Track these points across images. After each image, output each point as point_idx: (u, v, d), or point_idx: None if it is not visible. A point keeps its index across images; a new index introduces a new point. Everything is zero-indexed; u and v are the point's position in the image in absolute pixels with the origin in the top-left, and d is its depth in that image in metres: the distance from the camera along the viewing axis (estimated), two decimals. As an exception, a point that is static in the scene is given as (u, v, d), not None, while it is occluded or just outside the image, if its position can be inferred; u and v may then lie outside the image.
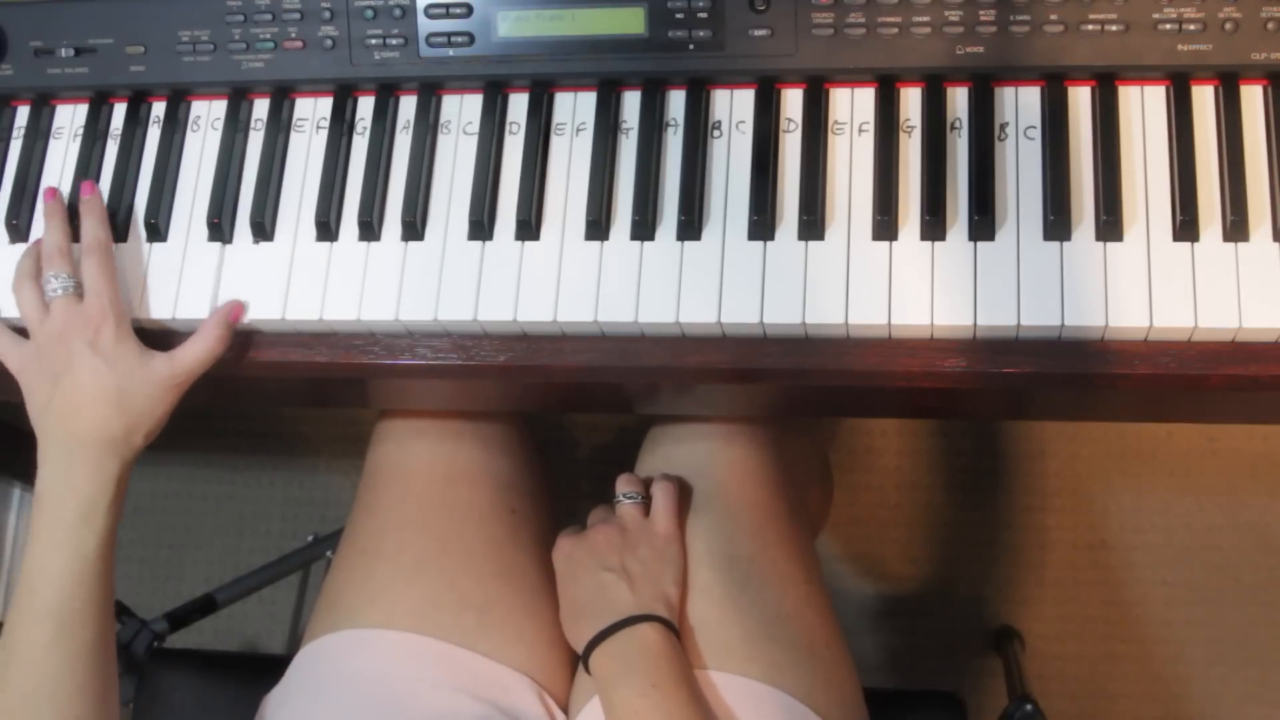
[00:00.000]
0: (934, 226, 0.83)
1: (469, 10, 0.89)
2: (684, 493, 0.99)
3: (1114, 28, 0.83)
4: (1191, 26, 0.82)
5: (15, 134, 0.96)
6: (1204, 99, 0.84)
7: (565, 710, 0.99)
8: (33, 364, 0.86)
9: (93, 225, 0.89)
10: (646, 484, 1.00)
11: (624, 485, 1.00)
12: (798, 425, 1.17)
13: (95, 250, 0.87)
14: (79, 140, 0.95)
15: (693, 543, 0.96)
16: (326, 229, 0.90)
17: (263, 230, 0.90)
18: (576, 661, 1.01)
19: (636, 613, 0.90)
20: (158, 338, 0.89)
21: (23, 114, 0.96)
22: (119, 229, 0.92)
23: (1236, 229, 0.81)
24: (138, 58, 0.93)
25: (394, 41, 0.90)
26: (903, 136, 0.86)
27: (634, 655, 0.88)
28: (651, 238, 0.86)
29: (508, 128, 0.90)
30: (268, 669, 1.04)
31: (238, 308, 0.88)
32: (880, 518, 1.69)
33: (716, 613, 0.93)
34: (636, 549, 0.94)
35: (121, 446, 0.85)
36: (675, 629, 0.91)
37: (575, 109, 0.90)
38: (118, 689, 0.86)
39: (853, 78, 0.87)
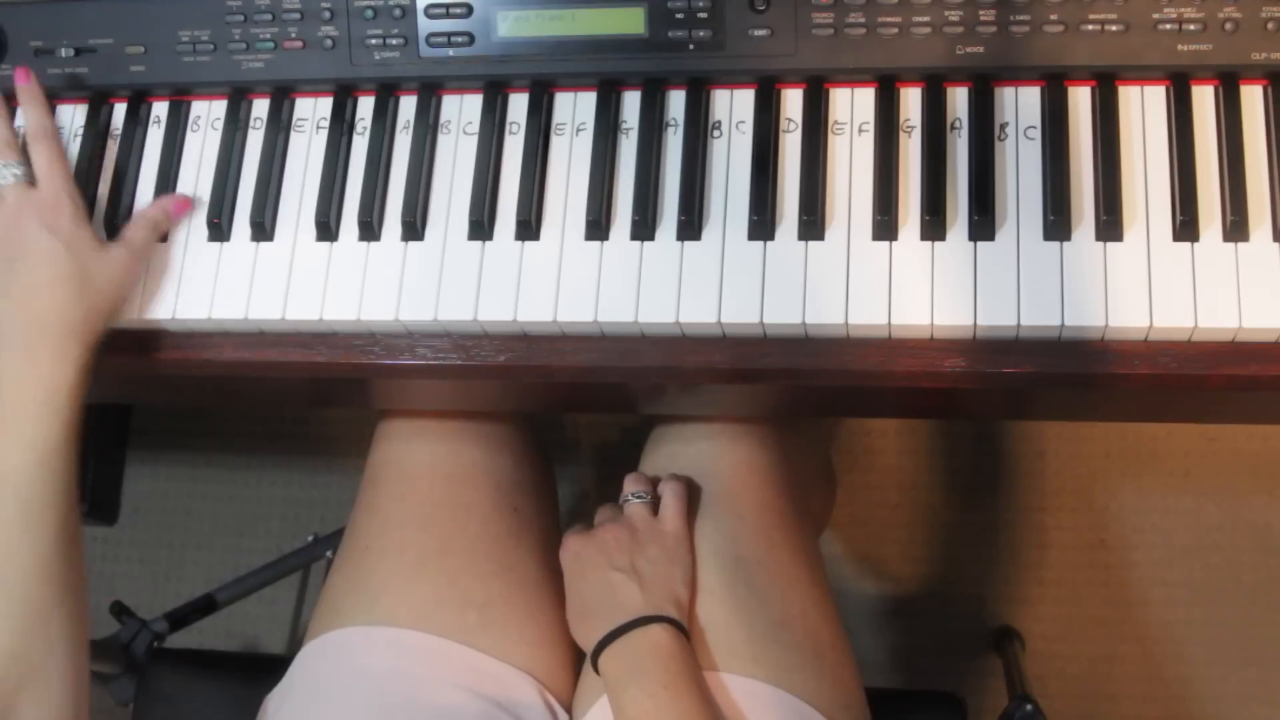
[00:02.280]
0: (934, 226, 0.83)
1: (469, 10, 0.89)
2: (691, 493, 0.99)
3: (1114, 28, 0.83)
4: (1191, 26, 0.82)
5: (15, 134, 0.96)
6: (1204, 99, 0.84)
7: (567, 708, 0.99)
8: None
9: (38, 113, 0.88)
10: (653, 483, 1.00)
11: (632, 484, 1.00)
12: (801, 426, 1.17)
13: (43, 137, 0.87)
14: (79, 140, 0.95)
15: (699, 544, 0.96)
16: (326, 229, 0.90)
17: (263, 230, 0.90)
18: (579, 660, 1.01)
19: (647, 613, 0.90)
20: (151, 339, 0.89)
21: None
22: (118, 229, 0.91)
23: (1236, 229, 0.81)
24: (138, 58, 0.93)
25: (394, 41, 0.90)
26: (903, 136, 0.86)
27: (644, 656, 0.88)
28: (651, 238, 0.86)
29: (508, 128, 0.90)
30: (268, 669, 1.04)
31: (185, 201, 0.90)
32: (880, 518, 1.69)
33: (723, 614, 0.93)
34: (646, 549, 0.94)
35: (83, 329, 0.84)
36: (685, 630, 0.91)
37: (575, 109, 0.90)
38: (84, 582, 0.84)
39: (853, 78, 0.87)
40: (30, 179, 0.87)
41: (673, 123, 0.88)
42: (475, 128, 0.90)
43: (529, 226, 0.87)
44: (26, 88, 0.90)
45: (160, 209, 0.90)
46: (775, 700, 0.90)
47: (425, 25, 0.89)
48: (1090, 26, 0.83)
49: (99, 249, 0.86)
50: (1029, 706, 1.31)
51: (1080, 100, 0.85)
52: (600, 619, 0.92)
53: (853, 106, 0.87)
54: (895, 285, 0.83)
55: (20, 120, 0.91)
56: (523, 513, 1.05)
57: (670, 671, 0.87)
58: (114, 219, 0.92)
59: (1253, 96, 0.84)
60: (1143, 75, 0.85)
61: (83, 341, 0.84)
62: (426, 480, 1.04)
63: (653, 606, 0.91)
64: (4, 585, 0.79)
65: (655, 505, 0.98)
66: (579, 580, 0.96)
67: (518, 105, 0.90)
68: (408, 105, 0.92)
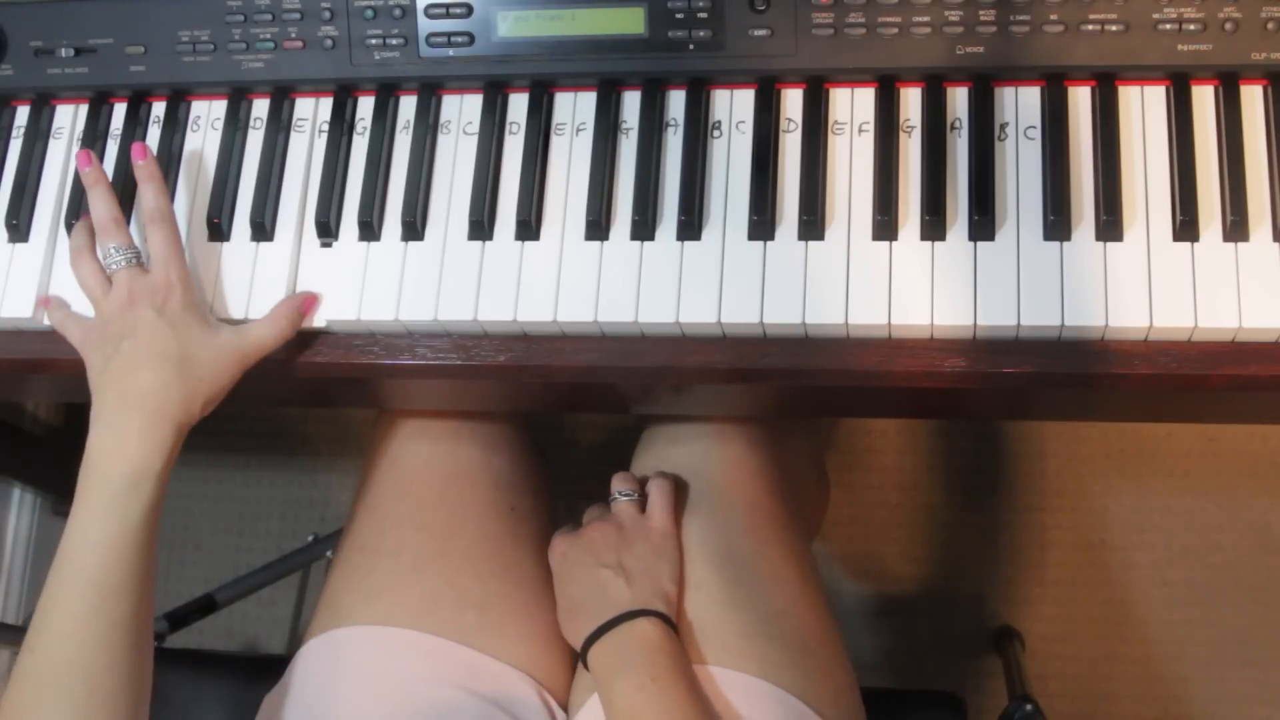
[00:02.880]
0: (934, 226, 0.83)
1: (469, 10, 0.89)
2: (680, 490, 1.00)
3: (1114, 28, 0.83)
4: (1191, 26, 0.82)
5: (15, 134, 0.96)
6: (1204, 99, 0.84)
7: (565, 708, 0.99)
8: (96, 335, 0.85)
9: (154, 194, 0.87)
10: (642, 482, 1.00)
11: (619, 483, 1.00)
12: (794, 427, 1.17)
13: (160, 220, 0.86)
14: (79, 140, 0.95)
15: (689, 540, 0.96)
16: (326, 229, 0.90)
17: (263, 230, 0.90)
18: (576, 659, 1.01)
19: (634, 608, 0.90)
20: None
21: (23, 114, 0.96)
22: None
23: (1236, 229, 0.81)
24: (138, 58, 0.93)
25: (394, 41, 0.90)
26: (903, 136, 0.86)
27: (632, 650, 0.88)
28: (651, 238, 0.86)
29: (508, 128, 0.90)
30: (268, 669, 1.04)
31: (311, 299, 0.88)
32: (880, 518, 1.69)
33: (713, 609, 0.93)
34: (633, 546, 0.94)
35: (178, 412, 0.82)
36: (673, 624, 0.91)
37: (575, 109, 0.90)
38: (151, 665, 0.83)
39: (853, 78, 0.87)
40: (140, 260, 0.86)
41: (673, 123, 0.88)
42: (475, 128, 0.90)
43: (529, 226, 0.87)
44: (144, 165, 0.88)
45: (285, 318, 0.86)
46: (763, 694, 0.90)
47: (425, 25, 0.89)
48: (1090, 26, 0.83)
49: (206, 334, 0.84)
50: (1029, 706, 1.31)
51: (1080, 100, 0.85)
52: (588, 616, 0.92)
53: (853, 106, 0.87)
54: (895, 285, 0.83)
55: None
56: (520, 512, 1.05)
57: (658, 665, 0.87)
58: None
59: (1253, 96, 0.84)
60: (1143, 75, 0.85)
61: (175, 425, 0.82)
62: (424, 480, 1.04)
63: (640, 601, 0.91)
64: (69, 666, 0.78)
65: (643, 503, 0.98)
66: (567, 579, 0.96)
67: (518, 105, 0.90)
68: (408, 105, 0.92)
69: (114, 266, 0.85)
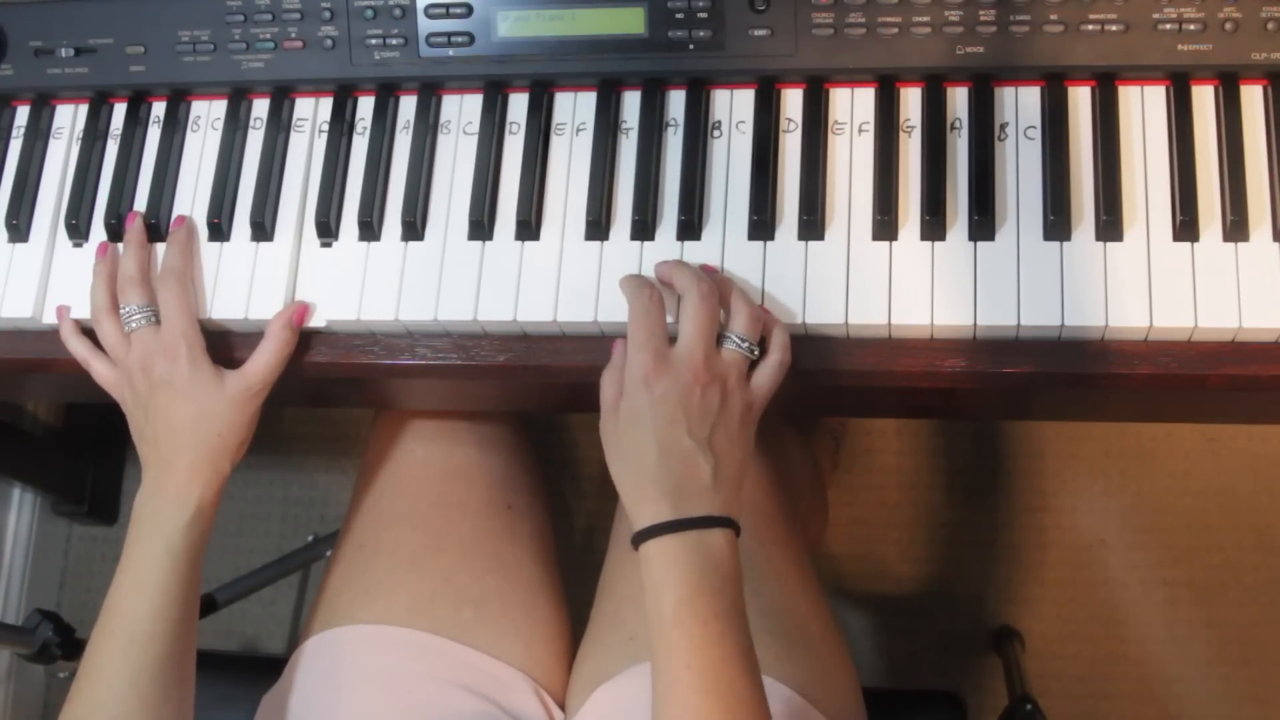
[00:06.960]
0: (934, 226, 0.83)
1: (469, 10, 0.89)
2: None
3: (1114, 28, 0.83)
4: (1191, 26, 0.82)
5: (15, 134, 0.96)
6: (1204, 99, 0.84)
7: (561, 706, 0.99)
8: (126, 391, 0.88)
9: (173, 252, 0.89)
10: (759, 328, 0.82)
11: (741, 320, 0.80)
12: (788, 440, 1.18)
13: (168, 277, 0.88)
14: (79, 140, 0.95)
15: None
16: (326, 229, 0.90)
17: (262, 230, 0.90)
18: (573, 658, 1.01)
19: (715, 512, 0.76)
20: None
21: (23, 114, 0.96)
22: (116, 230, 0.92)
23: (1236, 229, 0.81)
24: (138, 58, 0.93)
25: (394, 41, 0.90)
26: (903, 136, 0.86)
27: (700, 565, 0.75)
28: (651, 238, 0.86)
29: (508, 128, 0.90)
30: (268, 669, 1.04)
31: (302, 309, 0.88)
32: (880, 518, 1.69)
33: None
34: (730, 420, 0.78)
35: (207, 471, 0.87)
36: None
37: (575, 109, 0.90)
38: (191, 708, 0.86)
39: (853, 78, 0.87)
40: (156, 319, 0.87)
41: (673, 123, 0.88)
42: (475, 128, 0.90)
43: (529, 226, 0.87)
44: (179, 231, 0.90)
45: (280, 335, 0.87)
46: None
47: (425, 25, 0.89)
48: (1090, 26, 0.83)
49: (215, 389, 0.86)
50: (1029, 706, 1.32)
51: (1080, 100, 0.85)
52: (659, 488, 0.77)
53: (853, 106, 0.87)
54: (895, 285, 0.83)
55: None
56: (517, 510, 1.05)
57: (725, 596, 0.75)
58: (113, 220, 0.92)
59: (1253, 96, 0.84)
60: (1143, 75, 0.85)
61: (206, 483, 0.87)
62: (420, 479, 1.04)
63: (721, 504, 0.77)
64: (97, 709, 0.82)
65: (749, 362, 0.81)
66: (646, 422, 0.77)
67: (518, 105, 0.90)
68: (408, 105, 0.92)
69: (131, 326, 0.87)
